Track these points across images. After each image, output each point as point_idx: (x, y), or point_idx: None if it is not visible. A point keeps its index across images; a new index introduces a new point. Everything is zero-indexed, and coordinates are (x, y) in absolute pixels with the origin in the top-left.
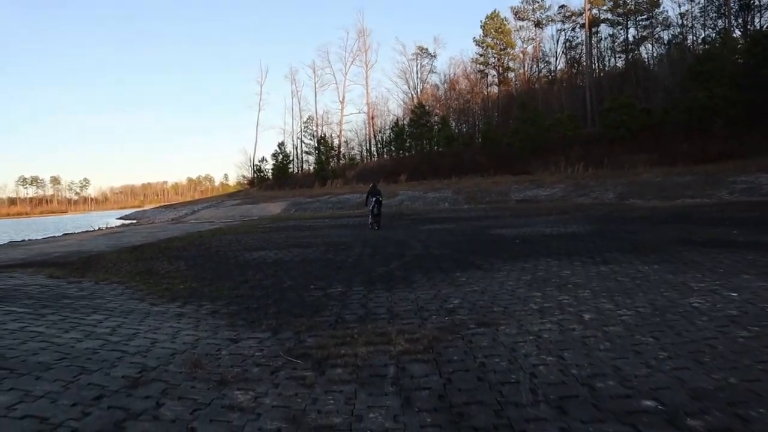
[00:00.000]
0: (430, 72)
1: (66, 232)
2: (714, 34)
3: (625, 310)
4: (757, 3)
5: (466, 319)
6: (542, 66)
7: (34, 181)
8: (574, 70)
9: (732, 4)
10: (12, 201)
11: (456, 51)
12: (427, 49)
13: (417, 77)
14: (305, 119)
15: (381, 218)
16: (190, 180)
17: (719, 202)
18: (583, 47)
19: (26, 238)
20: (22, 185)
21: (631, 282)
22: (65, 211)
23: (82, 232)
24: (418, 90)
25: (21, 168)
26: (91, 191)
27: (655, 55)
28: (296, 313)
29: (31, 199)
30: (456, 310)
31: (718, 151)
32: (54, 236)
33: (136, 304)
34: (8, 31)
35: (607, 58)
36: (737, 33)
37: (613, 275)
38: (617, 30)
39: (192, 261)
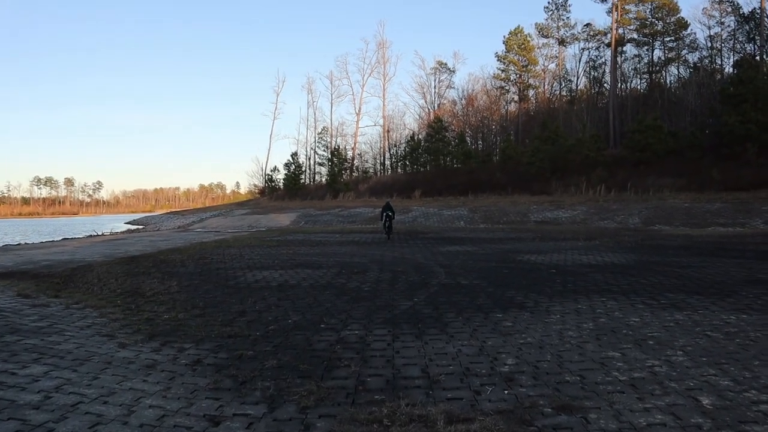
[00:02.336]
0: (448, 87)
1: (66, 236)
2: (742, 58)
3: (755, 391)
4: None
5: (534, 395)
6: (563, 85)
7: (48, 181)
8: (595, 91)
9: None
10: (25, 201)
11: (475, 67)
12: (446, 64)
13: (435, 92)
14: (320, 130)
15: (392, 232)
16: (202, 187)
17: (757, 232)
18: (607, 67)
19: (23, 242)
20: (36, 185)
21: (728, 340)
22: (76, 213)
23: (85, 237)
24: (435, 105)
25: (36, 168)
26: (104, 194)
27: (679, 77)
28: (302, 370)
29: (44, 199)
30: (515, 376)
31: (750, 179)
32: (52, 241)
33: (101, 345)
34: (23, 24)
35: (630, 79)
36: (766, 58)
37: (697, 327)
38: (643, 51)
39: (187, 280)
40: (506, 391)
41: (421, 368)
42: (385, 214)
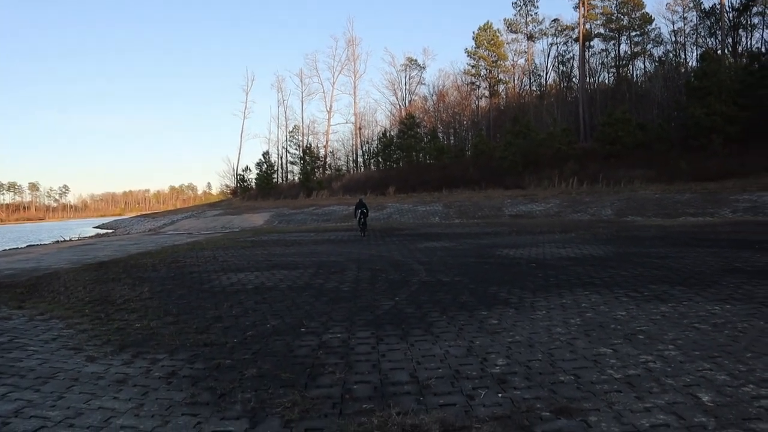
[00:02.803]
0: (418, 83)
1: (31, 243)
2: (706, 52)
3: (753, 386)
4: (746, 23)
5: (530, 398)
6: (533, 79)
7: (12, 186)
8: (564, 85)
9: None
10: None
11: (445, 63)
12: (416, 60)
13: (405, 88)
14: (291, 129)
15: (367, 228)
16: (172, 188)
17: (726, 222)
18: (575, 61)
19: None
20: None
21: (716, 332)
22: (43, 219)
23: (51, 243)
24: (407, 101)
25: None
26: (71, 198)
27: (645, 71)
28: (284, 379)
29: (7, 205)
30: (507, 378)
31: (717, 169)
32: (17, 248)
33: (67, 360)
34: None
35: (598, 73)
36: (726, 52)
37: (684, 320)
38: (609, 45)
39: (159, 285)
40: (500, 395)
41: (409, 372)
42: (359, 211)
